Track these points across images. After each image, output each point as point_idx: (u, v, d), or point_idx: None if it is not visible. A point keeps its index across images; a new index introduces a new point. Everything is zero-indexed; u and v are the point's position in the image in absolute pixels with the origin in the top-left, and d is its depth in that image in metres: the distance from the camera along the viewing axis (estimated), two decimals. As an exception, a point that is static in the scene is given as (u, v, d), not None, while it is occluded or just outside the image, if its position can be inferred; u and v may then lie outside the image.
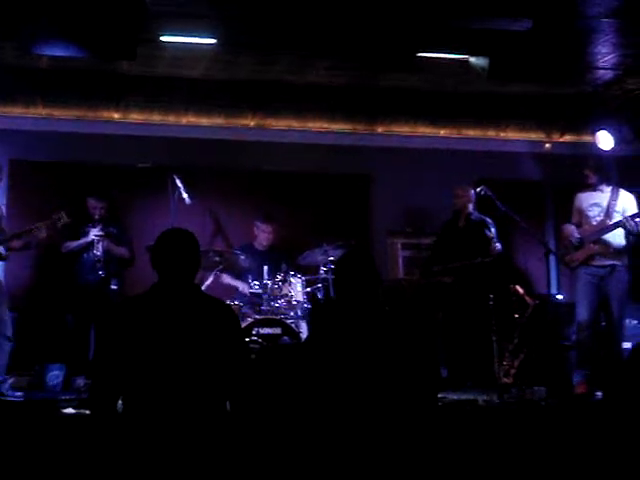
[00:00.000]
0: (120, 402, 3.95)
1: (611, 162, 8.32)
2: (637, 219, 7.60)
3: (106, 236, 8.42)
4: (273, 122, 10.02)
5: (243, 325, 7.54)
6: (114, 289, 8.22)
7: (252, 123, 9.96)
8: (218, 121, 9.86)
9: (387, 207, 10.21)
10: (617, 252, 7.75)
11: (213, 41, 8.03)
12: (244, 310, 8.20)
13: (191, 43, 8.05)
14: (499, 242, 8.44)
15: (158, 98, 9.48)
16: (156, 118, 9.70)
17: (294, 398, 4.11)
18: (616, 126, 9.19)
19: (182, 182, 8.30)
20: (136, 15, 6.86)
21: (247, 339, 7.37)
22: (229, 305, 4.28)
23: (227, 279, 8.71)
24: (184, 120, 9.77)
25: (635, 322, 8.87)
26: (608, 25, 7.55)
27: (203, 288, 7.71)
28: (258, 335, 7.62)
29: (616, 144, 9.08)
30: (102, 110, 9.57)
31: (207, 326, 3.95)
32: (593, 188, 7.95)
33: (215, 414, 3.91)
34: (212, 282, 8.14)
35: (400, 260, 9.93)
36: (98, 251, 8.31)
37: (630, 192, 7.92)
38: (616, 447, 4.84)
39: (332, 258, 8.31)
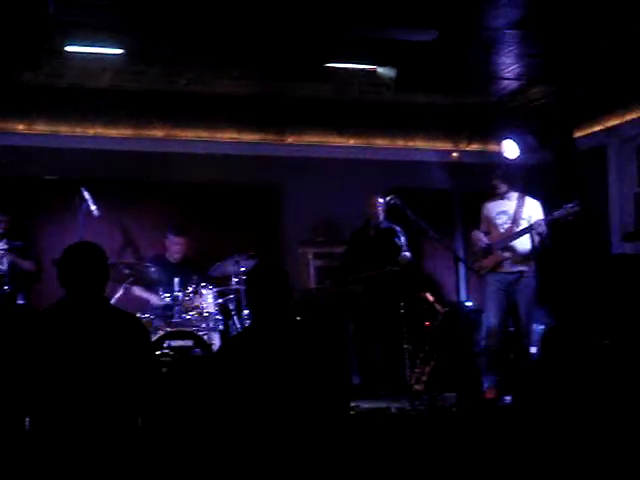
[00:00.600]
0: (27, 420, 3.88)
1: (517, 170, 8.48)
2: (543, 223, 7.76)
3: (11, 250, 8.24)
4: (182, 133, 9.94)
5: (154, 338, 7.45)
6: (21, 304, 8.06)
7: (160, 134, 9.86)
8: (126, 132, 9.74)
9: (298, 217, 10.22)
10: (524, 258, 7.88)
11: (120, 51, 7.94)
12: (155, 323, 8.10)
13: (97, 53, 7.93)
14: (408, 251, 8.51)
15: (64, 109, 9.31)
16: (63, 129, 9.53)
17: (206, 410, 4.08)
18: (521, 135, 9.37)
19: (90, 194, 8.16)
20: (40, 25, 6.73)
21: (158, 352, 7.28)
22: (138, 318, 4.23)
23: (138, 291, 8.60)
24: (91, 131, 9.62)
25: (542, 327, 9.01)
26: (511, 36, 7.68)
27: (113, 301, 7.60)
28: (169, 347, 7.52)
29: (521, 152, 9.25)
30: (6, 121, 9.36)
31: (115, 340, 3.90)
32: (500, 196, 8.08)
33: (126, 430, 3.86)
34: (122, 295, 8.02)
35: (312, 270, 9.93)
36: (3, 265, 8.13)
37: (535, 199, 8.07)
38: (525, 449, 4.91)
39: (243, 269, 8.29)
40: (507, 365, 8.01)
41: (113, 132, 9.70)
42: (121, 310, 4.13)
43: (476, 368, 8.07)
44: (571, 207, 7.67)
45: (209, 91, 9.27)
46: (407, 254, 8.46)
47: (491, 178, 8.09)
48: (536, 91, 9.40)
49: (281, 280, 4.11)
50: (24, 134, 9.43)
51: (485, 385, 7.84)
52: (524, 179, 8.28)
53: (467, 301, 9.96)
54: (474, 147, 10.85)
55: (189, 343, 7.67)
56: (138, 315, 7.62)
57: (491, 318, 7.91)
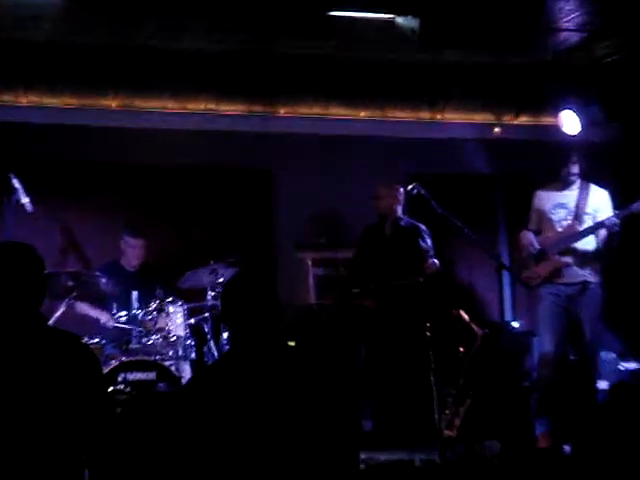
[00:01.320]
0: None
1: (580, 150, 8.45)
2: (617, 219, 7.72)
3: None
4: (142, 102, 9.92)
5: (106, 369, 7.45)
6: None
7: (114, 104, 9.85)
8: (69, 101, 9.71)
9: (294, 212, 10.20)
10: (589, 265, 7.86)
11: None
12: (107, 350, 8.13)
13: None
14: (436, 256, 8.50)
15: (-11, 72, 9.34)
16: (-14, 98, 9.56)
17: (173, 462, 4.06)
18: (583, 104, 9.33)
19: (21, 182, 8.15)
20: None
21: (111, 388, 7.28)
22: (85, 343, 4.20)
23: (85, 309, 8.59)
24: (24, 100, 9.61)
25: (613, 355, 8.99)
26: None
27: (52, 322, 7.59)
28: (126, 382, 7.53)
29: (584, 127, 9.21)
30: None
31: (54, 372, 3.87)
32: (561, 185, 8.06)
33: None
34: (64, 314, 7.99)
35: (311, 280, 9.92)
36: None
37: (602, 188, 8.04)
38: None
39: (222, 279, 8.28)
40: (566, 405, 7.99)
41: (52, 101, 9.68)
42: (63, 332, 4.09)
43: (526, 409, 8.05)
44: (653, 198, 7.67)
45: (177, 48, 9.22)
46: (435, 260, 8.45)
47: (564, 163, 8.04)
48: (604, 46, 9.37)
49: (267, 293, 4.08)
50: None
51: (537, 431, 7.81)
52: (588, 161, 8.25)
53: (514, 321, 9.95)
54: (522, 120, 10.85)
55: (151, 376, 7.67)
56: (85, 340, 7.62)
57: (546, 343, 7.89)
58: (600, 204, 7.91)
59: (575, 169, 8.03)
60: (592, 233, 7.81)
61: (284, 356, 4.09)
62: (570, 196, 7.97)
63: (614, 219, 7.71)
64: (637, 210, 7.68)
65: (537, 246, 7.98)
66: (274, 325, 4.03)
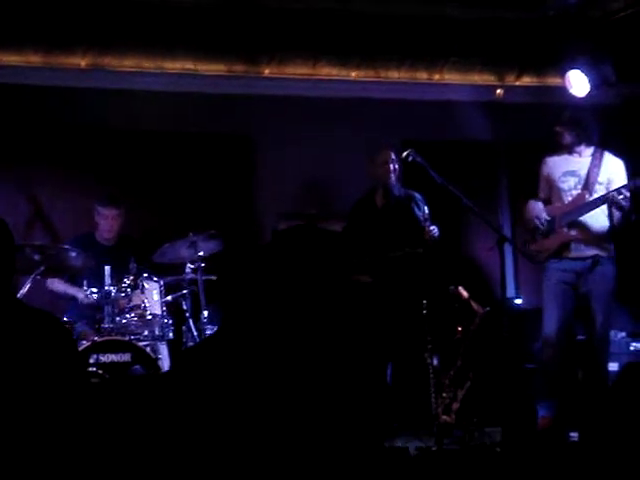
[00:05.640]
0: None
1: (591, 114, 8.43)
2: (625, 192, 7.70)
3: None
4: (114, 61, 9.84)
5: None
6: None
7: (83, 62, 9.80)
8: (33, 59, 9.65)
9: (279, 180, 10.19)
10: (600, 238, 7.84)
11: None
12: (78, 329, 8.12)
13: None
14: (435, 225, 8.45)
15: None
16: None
17: (151, 453, 4.07)
18: (594, 63, 9.30)
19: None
20: None
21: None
22: (60, 321, 4.20)
23: (53, 285, 8.58)
24: (-16, 58, 9.59)
25: (622, 334, 9.01)
26: None
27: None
28: (98, 364, 7.55)
29: (594, 88, 9.20)
30: None
31: (28, 350, 3.88)
32: (568, 150, 8.05)
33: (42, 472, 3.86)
34: (30, 290, 7.96)
35: (299, 254, 9.94)
36: None
37: (616, 156, 8.02)
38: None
39: (202, 253, 8.28)
40: (573, 388, 8.01)
41: (14, 59, 9.63)
42: (36, 309, 4.08)
43: (530, 392, 8.08)
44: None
45: (151, 0, 9.20)
46: (434, 229, 8.35)
47: (553, 124, 8.06)
48: (616, -1, 9.37)
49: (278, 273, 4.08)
50: None
51: (541, 415, 7.84)
52: (600, 126, 8.25)
53: (517, 298, 9.97)
54: (527, 81, 10.83)
55: (125, 357, 7.68)
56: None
57: (551, 322, 7.88)
58: (613, 173, 7.87)
59: (566, 136, 7.99)
60: (602, 204, 7.79)
61: (274, 340, 4.08)
62: (581, 163, 7.94)
63: (619, 193, 7.66)
64: None
65: (546, 218, 7.96)
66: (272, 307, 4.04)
